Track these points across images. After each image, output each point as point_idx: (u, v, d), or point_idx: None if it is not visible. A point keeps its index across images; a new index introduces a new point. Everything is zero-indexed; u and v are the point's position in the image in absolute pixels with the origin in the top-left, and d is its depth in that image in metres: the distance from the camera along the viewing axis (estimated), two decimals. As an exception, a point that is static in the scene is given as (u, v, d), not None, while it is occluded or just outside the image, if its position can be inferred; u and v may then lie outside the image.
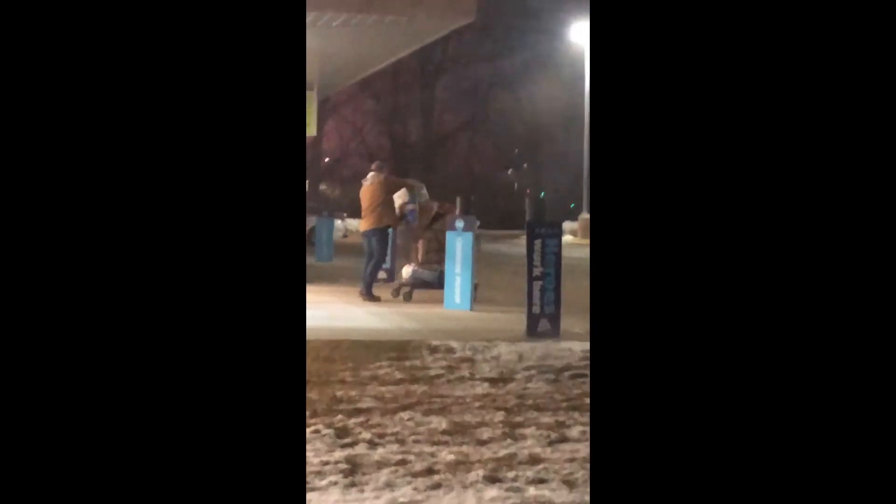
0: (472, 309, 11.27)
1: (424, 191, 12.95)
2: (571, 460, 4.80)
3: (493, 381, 6.84)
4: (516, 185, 46.51)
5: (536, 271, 9.28)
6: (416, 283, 12.38)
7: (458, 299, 11.46)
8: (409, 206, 12.65)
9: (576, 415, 5.82)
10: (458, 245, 11.54)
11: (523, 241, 9.81)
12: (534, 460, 4.79)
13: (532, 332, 9.12)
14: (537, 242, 9.35)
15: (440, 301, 11.70)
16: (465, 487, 4.32)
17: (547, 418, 5.71)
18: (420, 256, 12.47)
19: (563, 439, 5.24)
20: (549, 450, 5.01)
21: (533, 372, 7.26)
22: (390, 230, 12.70)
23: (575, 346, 8.48)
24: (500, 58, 46.01)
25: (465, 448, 4.99)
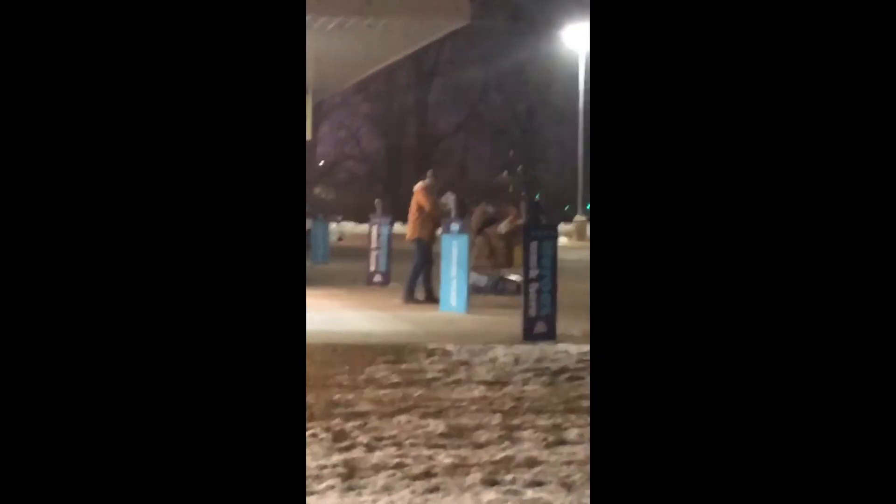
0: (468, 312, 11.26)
1: (452, 198, 12.77)
2: (569, 463, 4.80)
3: (489, 384, 6.84)
4: (511, 187, 46.51)
5: (532, 273, 9.25)
6: (470, 289, 11.80)
7: (453, 302, 11.43)
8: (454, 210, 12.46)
9: (573, 417, 5.82)
10: (454, 247, 11.52)
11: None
12: (531, 463, 4.79)
13: (528, 334, 9.10)
14: (533, 245, 9.33)
15: (496, 307, 11.55)
16: (462, 490, 4.32)
17: (544, 421, 5.71)
18: (472, 261, 12.07)
19: (561, 442, 5.24)
20: (546, 452, 5.01)
21: (530, 375, 7.26)
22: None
23: (571, 348, 8.48)
24: (494, 60, 46.01)
25: (462, 451, 4.98)
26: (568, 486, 4.39)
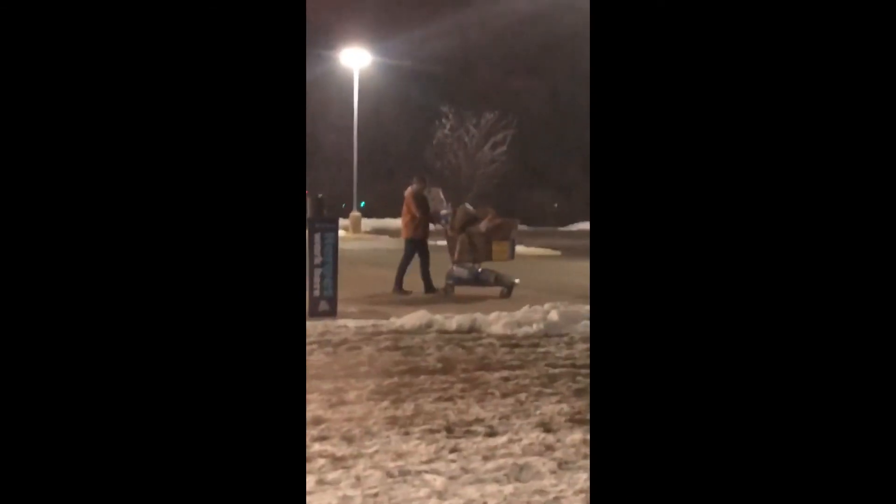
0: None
1: (440, 191, 12.30)
2: (350, 420, 4.81)
3: (280, 355, 6.75)
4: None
5: (316, 260, 9.25)
6: (454, 280, 11.57)
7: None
8: (443, 212, 12.00)
9: (353, 381, 5.82)
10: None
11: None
12: (318, 421, 4.76)
13: (313, 312, 9.06)
14: (317, 236, 9.32)
15: (477, 297, 11.10)
16: (258, 447, 4.25)
17: (328, 385, 5.69)
18: (455, 256, 11.70)
19: (342, 402, 5.24)
20: (330, 412, 5.00)
21: (315, 346, 7.21)
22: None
23: (350, 323, 8.48)
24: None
25: (257, 413, 4.90)
26: (349, 440, 4.40)
